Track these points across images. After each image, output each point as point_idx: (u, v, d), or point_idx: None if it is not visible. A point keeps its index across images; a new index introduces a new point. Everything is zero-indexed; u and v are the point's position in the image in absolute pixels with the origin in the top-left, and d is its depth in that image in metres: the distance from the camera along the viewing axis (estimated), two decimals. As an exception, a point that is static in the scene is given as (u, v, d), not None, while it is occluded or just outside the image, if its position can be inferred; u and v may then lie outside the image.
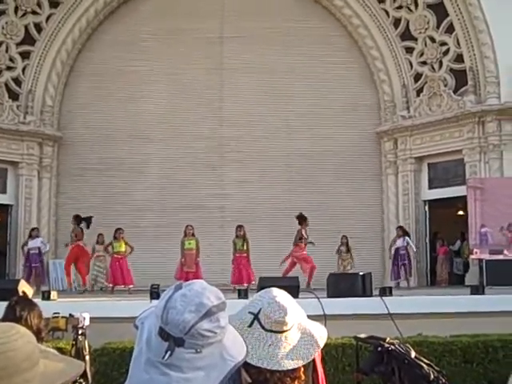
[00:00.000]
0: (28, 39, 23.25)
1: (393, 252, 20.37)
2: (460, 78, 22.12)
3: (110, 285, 18.48)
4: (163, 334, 1.64)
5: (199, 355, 1.64)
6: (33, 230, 20.24)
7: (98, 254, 19.50)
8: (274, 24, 23.42)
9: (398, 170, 23.09)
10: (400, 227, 20.71)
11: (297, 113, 23.22)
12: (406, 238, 19.93)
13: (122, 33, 23.80)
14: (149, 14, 23.81)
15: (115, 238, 18.72)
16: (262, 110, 23.20)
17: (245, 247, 18.21)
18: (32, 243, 19.49)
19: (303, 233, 18.31)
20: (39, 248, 19.57)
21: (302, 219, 18.53)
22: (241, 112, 23.26)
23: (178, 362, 1.63)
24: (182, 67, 23.30)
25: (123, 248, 18.64)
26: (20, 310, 4.13)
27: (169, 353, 1.61)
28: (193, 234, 18.28)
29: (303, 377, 3.04)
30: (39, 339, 4.16)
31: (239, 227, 18.34)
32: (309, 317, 3.13)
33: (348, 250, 20.12)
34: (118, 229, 18.91)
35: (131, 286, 18.36)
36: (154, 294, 11.92)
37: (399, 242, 19.94)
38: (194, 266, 17.85)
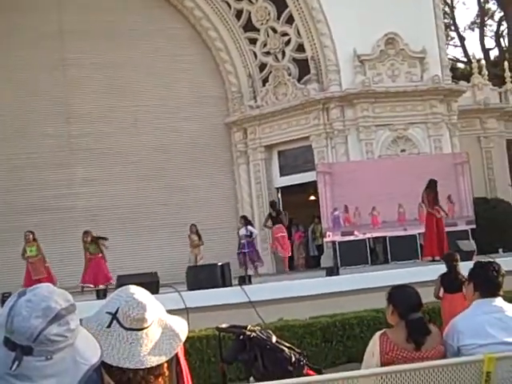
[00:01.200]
0: None
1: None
2: (303, 66, 22.80)
3: None
4: (9, 343, 1.56)
5: (50, 362, 1.58)
6: None
7: None
8: (116, 17, 23.00)
9: (249, 160, 23.47)
10: (242, 216, 20.81)
11: (145, 108, 22.99)
12: (249, 226, 20.05)
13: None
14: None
15: None
16: (109, 105, 22.75)
17: (97, 250, 17.69)
18: None
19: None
20: None
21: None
22: (87, 108, 22.68)
23: (27, 371, 1.55)
24: (23, 63, 22.30)
25: None
26: None
27: (16, 363, 1.54)
28: (34, 239, 17.49)
29: (167, 372, 3.00)
30: None
31: (85, 233, 17.68)
32: (170, 311, 3.09)
33: (199, 238, 20.06)
34: None
35: None
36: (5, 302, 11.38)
37: (241, 231, 20.08)
38: (43, 272, 17.14)
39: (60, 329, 1.60)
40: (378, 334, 4.52)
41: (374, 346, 4.47)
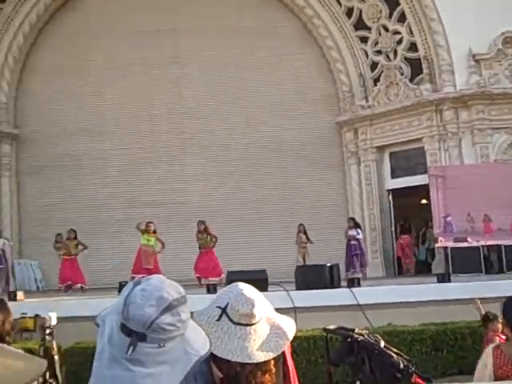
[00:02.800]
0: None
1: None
2: (415, 66, 22.29)
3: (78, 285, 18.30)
4: (125, 329, 1.64)
5: (162, 349, 1.64)
6: None
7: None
8: (229, 16, 23.31)
9: (360, 160, 23.17)
10: (351, 218, 20.64)
11: (256, 105, 23.18)
12: (358, 229, 19.90)
13: (74, 26, 23.40)
14: (101, 7, 23.41)
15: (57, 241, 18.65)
16: (221, 103, 23.08)
17: (209, 242, 18.12)
18: None
19: None
20: (3, 250, 19.27)
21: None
22: (200, 105, 23.13)
23: (140, 356, 1.62)
24: (138, 60, 23.10)
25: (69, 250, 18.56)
26: None
27: (131, 348, 1.61)
28: (154, 231, 18.10)
29: (274, 369, 3.02)
30: (5, 342, 4.06)
31: (200, 223, 18.24)
32: (278, 310, 3.11)
33: (307, 238, 20.14)
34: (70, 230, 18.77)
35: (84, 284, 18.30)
36: (123, 291, 11.78)
37: (350, 233, 19.93)
38: (151, 263, 17.68)
39: (172, 318, 1.66)
40: (491, 346, 4.39)
41: (487, 358, 4.33)
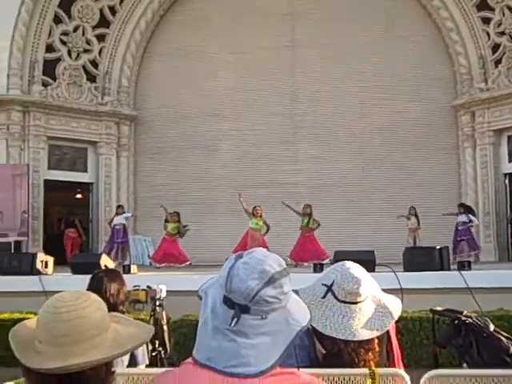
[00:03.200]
0: (103, 22, 23.68)
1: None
2: (541, 48, 21.33)
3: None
4: (228, 302, 1.68)
5: (264, 321, 1.68)
6: (118, 207, 20.90)
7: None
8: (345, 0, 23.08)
9: (475, 144, 22.52)
10: (461, 204, 20.29)
11: (370, 88, 22.90)
12: (469, 215, 19.50)
13: (193, 12, 23.95)
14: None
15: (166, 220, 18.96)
16: (334, 85, 22.99)
17: (311, 225, 18.11)
18: (117, 220, 20.08)
19: None
20: (124, 224, 20.13)
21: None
22: (313, 88, 23.12)
23: (243, 328, 1.67)
24: (252, 44, 23.27)
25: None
26: (100, 280, 4.25)
27: (235, 320, 1.66)
28: (260, 216, 18.31)
29: (377, 348, 3.05)
30: (119, 311, 4.28)
31: (306, 206, 18.28)
32: (385, 290, 3.13)
33: (418, 221, 19.94)
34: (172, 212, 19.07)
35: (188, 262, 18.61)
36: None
37: (459, 218, 19.55)
38: (257, 246, 17.81)
39: (274, 291, 1.69)
40: None
41: None
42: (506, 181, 22.13)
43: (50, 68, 22.65)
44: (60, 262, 15.02)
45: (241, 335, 1.67)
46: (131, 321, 2.10)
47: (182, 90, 23.71)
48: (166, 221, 18.95)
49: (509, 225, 22.11)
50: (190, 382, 1.70)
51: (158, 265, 18.44)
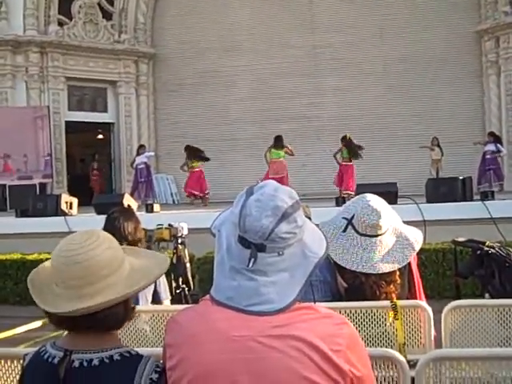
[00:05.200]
0: (117, -44, 23.27)
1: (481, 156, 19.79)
2: None
3: (192, 192, 18.60)
4: (244, 242, 1.66)
5: (282, 257, 1.66)
6: (140, 147, 20.84)
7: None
8: None
9: (500, 70, 22.02)
10: (491, 133, 20.00)
11: (390, 17, 22.40)
12: (498, 144, 19.27)
13: None
14: None
15: (193, 158, 18.76)
16: (354, 15, 22.52)
17: (348, 156, 18.03)
18: (139, 159, 20.13)
19: None
20: (145, 163, 20.18)
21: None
22: (332, 18, 22.70)
23: (262, 267, 1.65)
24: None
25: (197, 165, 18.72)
26: (116, 220, 4.27)
27: (252, 260, 1.64)
28: (282, 146, 18.23)
29: (399, 280, 3.05)
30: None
31: (343, 138, 18.13)
32: (408, 222, 3.11)
33: (441, 151, 19.79)
34: (196, 150, 18.93)
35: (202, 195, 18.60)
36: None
37: (488, 147, 19.33)
38: (280, 172, 17.80)
39: (289, 226, 1.66)
40: None
41: None
42: (531, 108, 21.75)
43: (65, 7, 22.39)
44: (86, 203, 15.15)
45: (260, 274, 1.65)
46: (146, 252, 2.11)
47: (198, 25, 23.37)
48: None
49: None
50: (210, 320, 1.70)
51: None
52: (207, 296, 1.76)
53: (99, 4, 23.17)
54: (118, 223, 4.20)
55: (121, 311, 1.90)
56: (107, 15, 23.30)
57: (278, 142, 18.09)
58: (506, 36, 21.65)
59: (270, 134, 19.48)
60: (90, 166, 23.57)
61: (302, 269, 1.69)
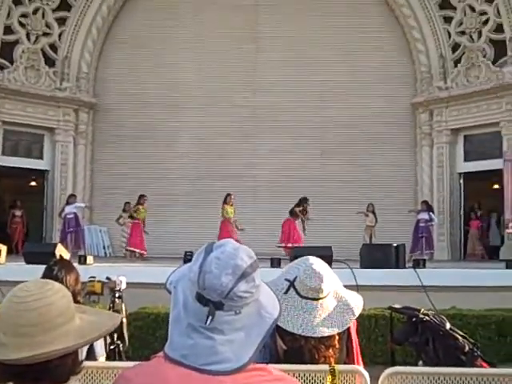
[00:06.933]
0: (64, 5, 23.22)
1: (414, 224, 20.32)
2: (499, 48, 21.65)
3: (135, 249, 18.59)
4: (201, 299, 1.64)
5: (239, 316, 1.65)
6: (70, 196, 20.53)
7: (125, 221, 19.66)
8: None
9: (433, 142, 22.80)
10: (424, 201, 20.69)
11: (331, 82, 22.99)
12: (430, 213, 19.89)
13: (156, 0, 23.68)
14: (183, -18, 23.66)
15: (140, 204, 18.92)
16: (295, 78, 22.99)
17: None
18: (68, 209, 19.78)
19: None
20: (75, 213, 19.84)
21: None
22: (275, 80, 23.11)
23: (219, 325, 1.64)
24: (216, 35, 23.17)
25: (143, 215, 18.90)
26: (58, 271, 4.19)
27: (210, 318, 1.62)
28: (231, 204, 18.45)
29: (338, 345, 3.04)
30: (76, 302, 4.21)
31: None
32: (341, 286, 3.12)
33: (375, 217, 20.20)
34: (143, 195, 19.13)
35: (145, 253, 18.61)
36: (188, 260, 11.99)
37: (421, 215, 19.90)
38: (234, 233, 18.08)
39: (247, 285, 1.66)
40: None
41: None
42: (461, 180, 22.47)
43: (7, 51, 22.21)
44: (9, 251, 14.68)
45: (217, 332, 1.64)
46: (96, 310, 2.07)
47: (143, 79, 23.45)
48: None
49: (462, 224, 22.48)
50: (163, 378, 1.66)
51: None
52: (160, 353, 1.72)
53: (42, 50, 23.05)
54: (60, 274, 4.11)
55: (70, 363, 1.84)
56: (50, 62, 23.17)
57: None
58: (439, 110, 22.52)
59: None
60: (11, 213, 22.94)
61: (257, 329, 1.68)
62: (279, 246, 18.38)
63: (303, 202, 18.78)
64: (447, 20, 22.83)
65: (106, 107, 23.78)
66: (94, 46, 23.68)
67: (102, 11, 23.52)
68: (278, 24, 23.03)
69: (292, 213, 18.68)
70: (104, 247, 22.39)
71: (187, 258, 12.16)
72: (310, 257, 3.00)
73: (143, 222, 19.16)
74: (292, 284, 2.97)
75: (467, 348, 4.26)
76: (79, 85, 23.38)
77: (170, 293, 1.76)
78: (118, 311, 6.17)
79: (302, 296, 2.96)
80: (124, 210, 19.73)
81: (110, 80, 23.86)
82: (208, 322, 1.62)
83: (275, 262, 12.51)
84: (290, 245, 17.73)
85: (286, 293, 2.97)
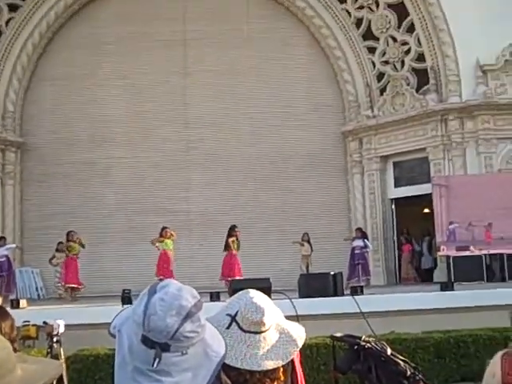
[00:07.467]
0: (-13, 44, 22.89)
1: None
2: (422, 76, 22.34)
3: (73, 285, 18.24)
4: (147, 341, 1.62)
5: (185, 357, 1.64)
6: (0, 239, 19.90)
7: (58, 262, 19.27)
8: (236, 26, 23.37)
9: (363, 170, 23.21)
10: (359, 229, 21.01)
11: (261, 114, 23.24)
12: (365, 240, 20.19)
13: (84, 36, 23.56)
14: (111, 17, 23.61)
15: (70, 240, 18.63)
16: (225, 112, 23.15)
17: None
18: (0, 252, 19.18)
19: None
20: (7, 256, 19.26)
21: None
22: (205, 115, 23.21)
23: (166, 367, 1.62)
24: (145, 70, 23.16)
25: (77, 249, 18.63)
26: None
27: (157, 360, 1.60)
28: (169, 237, 18.26)
29: (282, 377, 3.00)
30: (13, 350, 4.04)
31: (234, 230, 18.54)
32: (281, 317, 3.12)
33: (310, 247, 20.33)
34: (71, 231, 18.81)
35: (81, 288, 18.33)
36: (126, 298, 11.82)
37: (356, 243, 20.18)
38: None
39: (193, 325, 1.65)
40: (499, 354, 4.34)
41: (494, 366, 4.29)
42: (393, 206, 22.91)
43: None
44: None
45: (164, 374, 1.61)
46: (38, 358, 1.99)
47: (70, 116, 23.17)
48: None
49: (396, 249, 22.88)
50: None
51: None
52: None
53: (-34, 90, 22.56)
54: None
55: None
56: (-26, 102, 22.68)
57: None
58: (368, 137, 22.98)
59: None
60: None
61: (204, 368, 1.67)
62: (222, 280, 18.22)
63: (232, 230, 18.69)
64: (371, 50, 23.46)
65: (34, 146, 23.34)
66: (19, 84, 23.29)
67: (27, 49, 23.24)
68: (208, 57, 23.21)
69: (226, 246, 18.57)
70: (37, 289, 21.81)
71: (125, 295, 11.95)
72: (250, 290, 2.98)
73: (77, 256, 18.76)
74: (234, 319, 2.94)
75: (409, 372, 4.27)
76: (5, 124, 22.92)
77: (113, 337, 1.72)
78: (57, 356, 5.98)
79: (244, 330, 2.93)
80: (57, 250, 19.32)
81: (37, 118, 23.49)
82: (155, 364, 1.59)
83: (214, 296, 12.44)
84: (229, 278, 17.65)
85: (228, 328, 2.94)
